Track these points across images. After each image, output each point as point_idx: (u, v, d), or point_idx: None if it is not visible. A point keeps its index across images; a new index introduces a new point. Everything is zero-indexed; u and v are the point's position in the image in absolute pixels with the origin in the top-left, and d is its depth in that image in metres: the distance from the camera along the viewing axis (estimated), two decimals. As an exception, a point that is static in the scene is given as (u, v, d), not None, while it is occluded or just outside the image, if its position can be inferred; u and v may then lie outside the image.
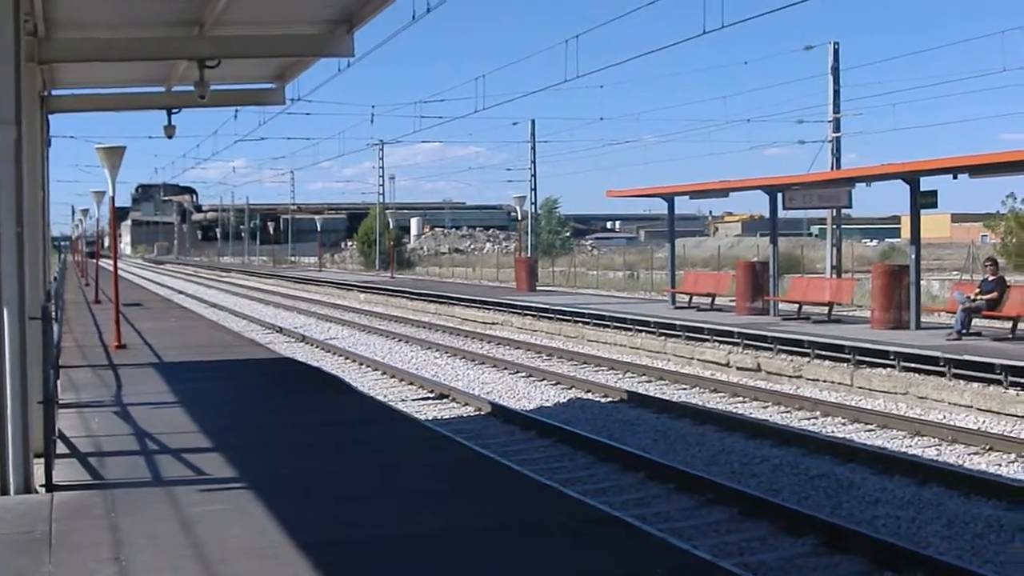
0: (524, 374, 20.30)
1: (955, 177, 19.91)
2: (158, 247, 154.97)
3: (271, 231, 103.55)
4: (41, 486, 8.25)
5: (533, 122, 58.87)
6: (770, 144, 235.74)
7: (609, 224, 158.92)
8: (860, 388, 17.49)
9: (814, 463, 12.22)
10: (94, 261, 45.76)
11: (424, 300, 38.81)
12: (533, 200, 58.01)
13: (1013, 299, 18.63)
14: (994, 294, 18.79)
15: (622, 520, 7.77)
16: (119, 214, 46.20)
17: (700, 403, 16.76)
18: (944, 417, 15.32)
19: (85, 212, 62.63)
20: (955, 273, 42.45)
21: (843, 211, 32.67)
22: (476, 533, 7.25)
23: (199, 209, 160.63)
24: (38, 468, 8.29)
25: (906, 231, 31.48)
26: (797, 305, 23.96)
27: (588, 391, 17.99)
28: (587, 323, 27.11)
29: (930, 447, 13.35)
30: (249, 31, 12.69)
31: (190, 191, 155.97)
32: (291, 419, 12.08)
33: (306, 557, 6.53)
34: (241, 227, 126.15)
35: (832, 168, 33.77)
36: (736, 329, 21.49)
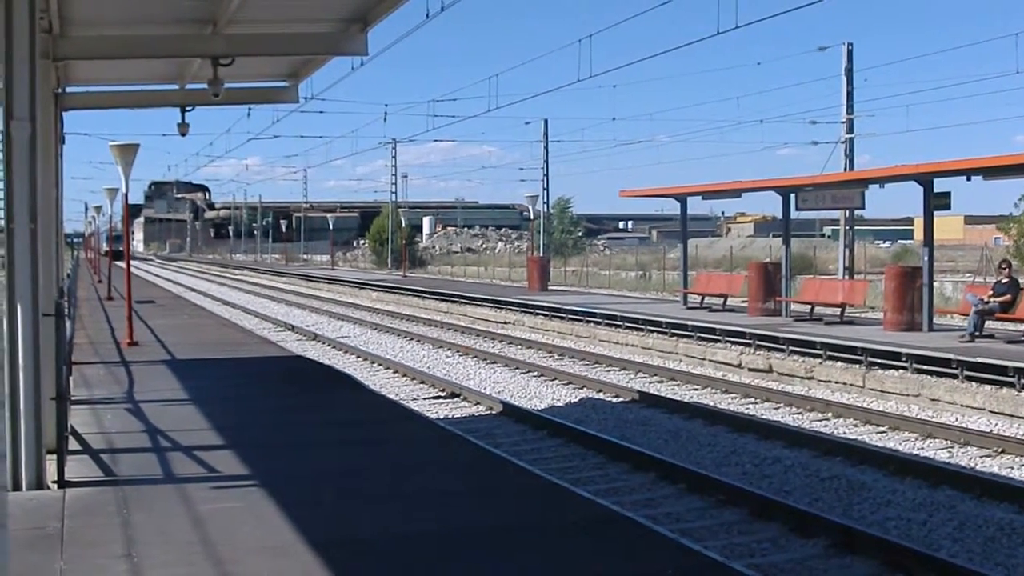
0: (536, 373, 20.30)
1: (969, 179, 19.82)
2: (171, 244, 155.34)
3: (284, 229, 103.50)
4: (53, 482, 8.28)
5: (546, 122, 58.70)
6: (783, 145, 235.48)
7: (622, 224, 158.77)
8: (872, 390, 17.44)
9: (826, 465, 12.20)
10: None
11: (436, 299, 38.82)
12: (545, 199, 58.03)
13: (1027, 301, 18.55)
14: (1007, 296, 18.72)
15: (633, 520, 7.76)
16: (132, 211, 46.29)
17: (712, 404, 16.73)
18: (956, 419, 15.27)
19: (98, 209, 62.80)
20: (968, 275, 42.28)
21: (856, 212, 32.63)
22: (486, 532, 7.26)
23: (212, 207, 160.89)
24: (50, 464, 8.33)
25: (919, 233, 31.35)
26: (809, 306, 23.91)
27: (600, 391, 17.97)
28: (599, 323, 27.10)
29: (942, 449, 13.30)
30: (263, 29, 12.71)
31: (203, 189, 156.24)
32: (302, 417, 12.10)
33: (317, 555, 6.54)
34: (254, 225, 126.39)
35: (845, 169, 33.72)
36: (748, 330, 21.45)
